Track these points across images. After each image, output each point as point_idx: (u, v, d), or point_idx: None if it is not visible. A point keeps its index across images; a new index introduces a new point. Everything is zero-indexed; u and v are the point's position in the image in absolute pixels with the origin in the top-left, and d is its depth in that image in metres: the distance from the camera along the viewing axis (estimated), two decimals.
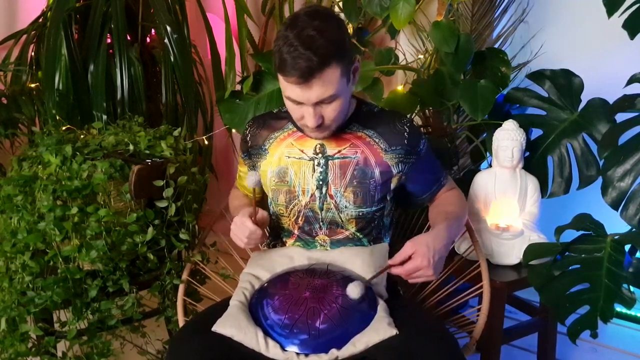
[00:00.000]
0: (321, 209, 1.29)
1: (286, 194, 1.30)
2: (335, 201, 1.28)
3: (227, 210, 1.53)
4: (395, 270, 1.16)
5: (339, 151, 1.27)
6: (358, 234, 1.31)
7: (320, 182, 1.28)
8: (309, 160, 1.28)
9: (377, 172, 1.27)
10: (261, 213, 1.28)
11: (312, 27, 1.09)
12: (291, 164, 1.30)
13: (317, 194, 1.28)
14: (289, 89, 1.13)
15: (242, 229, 1.24)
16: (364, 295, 1.15)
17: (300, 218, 1.31)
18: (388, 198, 1.33)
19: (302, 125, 1.22)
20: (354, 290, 1.14)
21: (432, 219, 1.35)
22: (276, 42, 1.12)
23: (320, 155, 1.28)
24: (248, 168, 1.39)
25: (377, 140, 1.28)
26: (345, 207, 1.28)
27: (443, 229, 1.21)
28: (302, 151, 1.29)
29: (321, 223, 1.30)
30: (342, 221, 1.30)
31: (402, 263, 1.16)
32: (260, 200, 1.48)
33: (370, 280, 1.20)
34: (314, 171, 1.28)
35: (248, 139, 1.36)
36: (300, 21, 1.10)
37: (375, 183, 1.27)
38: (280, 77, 1.14)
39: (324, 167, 1.27)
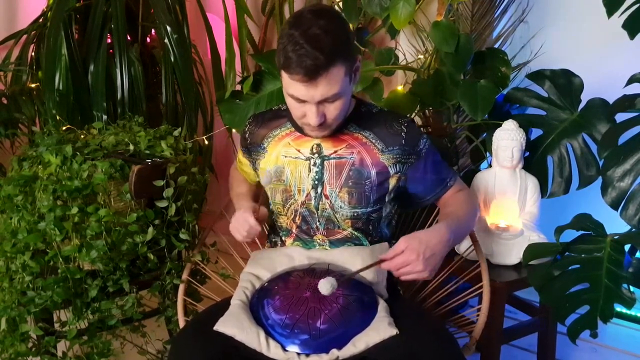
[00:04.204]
0: (317, 209, 1.29)
1: (282, 193, 1.31)
2: (330, 201, 1.28)
3: (228, 210, 1.53)
4: (385, 265, 1.13)
5: (335, 151, 1.27)
6: (356, 234, 1.31)
7: (316, 182, 1.28)
8: (305, 160, 1.28)
9: (373, 172, 1.26)
10: (262, 210, 1.33)
11: (317, 25, 1.08)
12: (287, 163, 1.30)
13: (312, 193, 1.28)
14: (293, 87, 1.13)
15: (243, 224, 1.27)
16: (336, 289, 1.11)
17: (297, 217, 1.31)
18: (387, 200, 1.31)
19: (303, 124, 1.22)
20: (324, 286, 1.10)
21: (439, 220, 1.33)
22: (280, 40, 1.12)
23: (316, 155, 1.28)
24: (248, 162, 1.41)
25: (373, 141, 1.27)
26: (340, 207, 1.28)
27: (443, 226, 1.17)
28: (298, 151, 1.29)
29: (318, 223, 1.30)
30: (338, 221, 1.29)
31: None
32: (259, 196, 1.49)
33: (355, 273, 1.16)
34: (310, 171, 1.28)
35: (247, 136, 1.37)
36: (306, 19, 1.10)
37: (371, 184, 1.27)
38: (284, 75, 1.13)
39: (319, 167, 1.27)
